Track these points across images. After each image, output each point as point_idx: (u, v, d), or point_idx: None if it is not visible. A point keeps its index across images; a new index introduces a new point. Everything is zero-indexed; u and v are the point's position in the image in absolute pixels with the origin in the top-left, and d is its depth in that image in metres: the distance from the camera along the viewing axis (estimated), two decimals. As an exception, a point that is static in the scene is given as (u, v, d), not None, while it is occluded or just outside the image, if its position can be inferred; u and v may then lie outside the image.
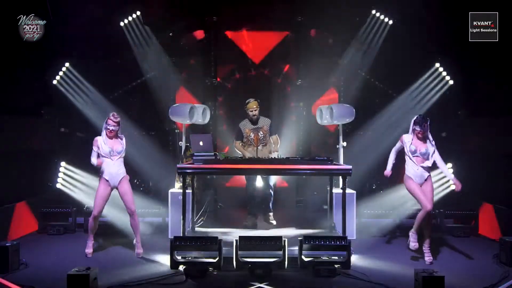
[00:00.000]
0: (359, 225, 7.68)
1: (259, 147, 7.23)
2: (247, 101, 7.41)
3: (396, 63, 9.07)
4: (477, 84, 8.36)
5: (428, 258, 6.22)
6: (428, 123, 6.23)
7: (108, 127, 6.38)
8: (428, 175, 6.30)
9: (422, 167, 6.24)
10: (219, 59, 9.33)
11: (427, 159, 6.25)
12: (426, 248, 6.28)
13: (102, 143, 6.42)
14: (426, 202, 6.18)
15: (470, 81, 8.50)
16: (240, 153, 7.52)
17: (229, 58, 9.76)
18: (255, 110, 7.34)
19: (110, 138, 6.44)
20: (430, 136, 6.27)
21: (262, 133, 7.35)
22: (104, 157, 6.43)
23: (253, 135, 7.34)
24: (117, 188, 6.51)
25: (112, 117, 6.41)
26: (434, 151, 6.26)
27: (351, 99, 9.06)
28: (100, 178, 6.49)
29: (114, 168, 6.44)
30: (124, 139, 6.59)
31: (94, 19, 8.85)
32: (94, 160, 6.46)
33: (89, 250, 6.55)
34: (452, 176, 6.44)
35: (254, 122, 7.40)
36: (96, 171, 6.81)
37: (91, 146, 6.46)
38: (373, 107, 9.33)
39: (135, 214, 6.53)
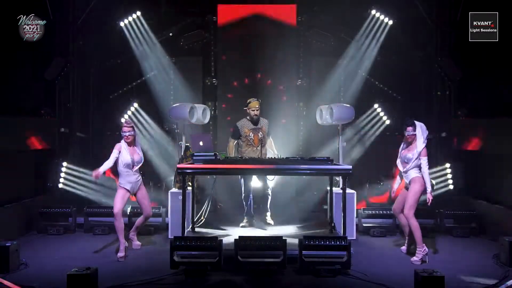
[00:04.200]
0: (359, 225, 7.70)
1: (258, 148, 7.21)
2: (248, 101, 7.31)
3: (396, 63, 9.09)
4: (477, 84, 8.36)
5: (413, 258, 6.25)
6: (409, 127, 6.24)
7: (125, 134, 6.48)
8: (412, 178, 6.27)
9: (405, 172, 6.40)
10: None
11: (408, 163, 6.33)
12: (417, 250, 6.29)
13: (124, 151, 6.48)
14: (397, 206, 6.48)
15: (470, 81, 8.51)
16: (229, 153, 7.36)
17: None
18: (257, 110, 7.25)
19: (130, 145, 6.53)
20: (418, 145, 6.22)
21: (261, 133, 7.28)
22: (125, 167, 6.47)
23: (253, 135, 7.29)
24: (135, 194, 6.66)
25: (125, 124, 6.55)
26: (416, 156, 6.22)
27: (351, 99, 9.08)
28: (120, 187, 6.52)
29: (134, 178, 6.58)
30: (140, 148, 6.71)
31: (94, 19, 8.87)
32: (106, 165, 6.41)
33: (121, 253, 6.42)
34: (429, 188, 6.26)
35: (254, 122, 7.35)
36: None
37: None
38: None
39: (148, 217, 6.86)
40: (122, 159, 6.48)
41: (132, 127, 6.57)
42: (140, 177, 6.68)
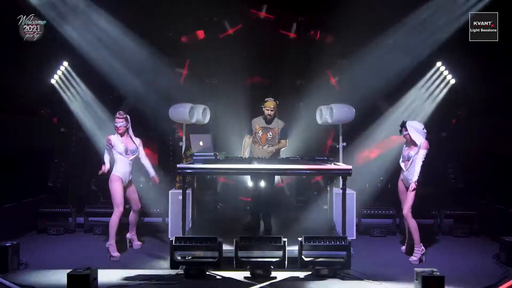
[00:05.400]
0: (359, 225, 7.70)
1: (264, 147, 7.19)
2: (265, 99, 7.19)
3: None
4: (477, 84, 8.35)
5: (411, 258, 6.29)
6: (402, 129, 6.36)
7: (116, 124, 6.53)
8: (412, 178, 6.28)
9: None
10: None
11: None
12: (415, 249, 6.32)
13: (116, 140, 6.53)
14: (403, 206, 6.46)
15: (470, 81, 8.50)
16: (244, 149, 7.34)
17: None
18: (271, 111, 7.10)
19: (122, 135, 6.56)
20: (416, 141, 6.29)
21: (271, 134, 7.19)
22: (120, 154, 6.51)
23: (261, 133, 7.25)
24: (125, 187, 6.62)
25: (118, 115, 6.58)
26: (417, 151, 6.27)
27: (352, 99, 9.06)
28: (113, 176, 6.49)
29: (128, 168, 6.59)
30: (138, 139, 6.72)
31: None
32: (106, 159, 6.57)
33: (116, 253, 6.41)
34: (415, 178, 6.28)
35: (267, 121, 7.25)
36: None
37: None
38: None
39: (138, 210, 6.88)
40: (116, 148, 6.52)
41: (124, 118, 6.56)
42: (131, 172, 6.67)
